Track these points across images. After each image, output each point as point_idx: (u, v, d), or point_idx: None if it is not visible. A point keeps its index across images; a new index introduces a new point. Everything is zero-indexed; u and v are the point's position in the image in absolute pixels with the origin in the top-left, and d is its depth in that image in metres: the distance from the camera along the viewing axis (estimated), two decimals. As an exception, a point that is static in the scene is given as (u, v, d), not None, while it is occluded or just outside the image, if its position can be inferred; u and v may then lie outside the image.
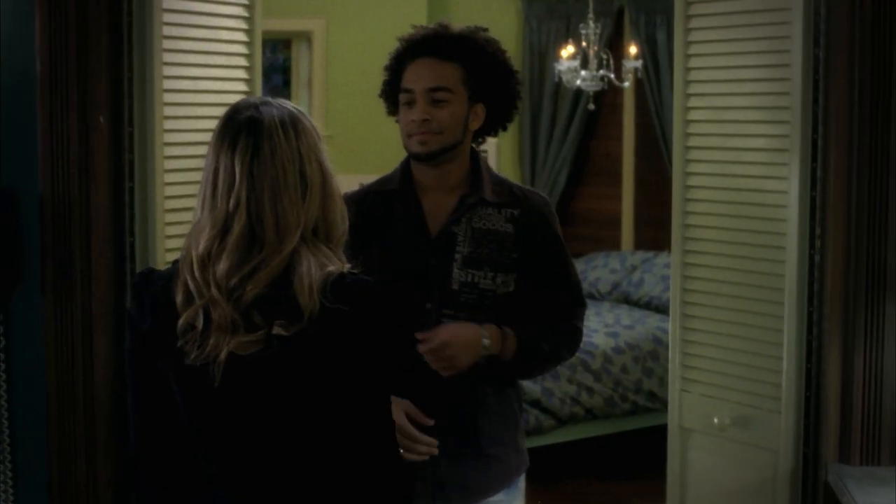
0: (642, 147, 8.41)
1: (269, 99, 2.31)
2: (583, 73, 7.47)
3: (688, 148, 4.21)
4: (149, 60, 4.07)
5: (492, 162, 8.49)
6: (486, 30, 3.14)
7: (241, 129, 2.20)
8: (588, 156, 8.63)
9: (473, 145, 3.17)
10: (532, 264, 3.04)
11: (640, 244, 8.44)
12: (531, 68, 8.75)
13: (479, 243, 2.96)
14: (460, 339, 2.87)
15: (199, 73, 4.30)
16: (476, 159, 3.12)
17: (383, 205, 3.06)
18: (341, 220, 2.26)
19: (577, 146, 8.59)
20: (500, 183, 3.12)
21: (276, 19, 7.84)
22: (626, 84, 7.56)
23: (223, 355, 2.14)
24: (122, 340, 3.69)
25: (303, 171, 2.19)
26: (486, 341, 2.91)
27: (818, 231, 3.90)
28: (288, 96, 8.76)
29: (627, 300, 7.83)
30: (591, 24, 7.45)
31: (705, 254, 4.20)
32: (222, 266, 2.15)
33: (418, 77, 3.00)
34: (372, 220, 3.02)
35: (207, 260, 2.16)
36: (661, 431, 7.00)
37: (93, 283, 3.98)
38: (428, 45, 3.04)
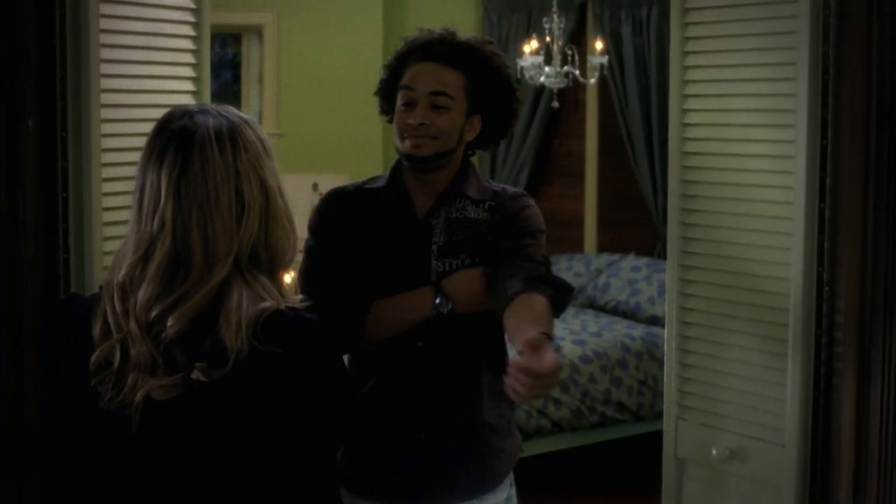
0: (606, 146, 7.98)
1: (209, 106, 2.06)
2: (546, 69, 7.01)
3: (685, 154, 3.74)
4: (84, 56, 3.55)
5: None
6: (491, 42, 3.05)
7: (170, 142, 1.97)
8: (550, 155, 8.20)
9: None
10: (505, 236, 2.93)
11: (603, 246, 8.01)
12: (490, 64, 8.27)
13: (454, 232, 2.90)
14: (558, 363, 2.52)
15: (141, 70, 3.78)
16: (466, 167, 3.04)
17: (370, 202, 2.99)
18: (290, 244, 2.02)
19: (539, 145, 8.17)
20: (485, 187, 3.05)
21: (225, 12, 7.45)
22: (592, 81, 7.10)
23: (139, 397, 1.88)
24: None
25: (239, 191, 1.94)
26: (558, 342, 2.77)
27: (827, 246, 3.47)
28: (238, 93, 8.33)
29: (593, 305, 7.38)
30: (556, 17, 6.99)
31: (704, 269, 3.74)
32: (142, 296, 1.90)
33: (421, 78, 2.88)
34: (358, 215, 2.96)
35: (129, 288, 1.92)
36: (629, 443, 6.64)
37: (22, 307, 3.48)
38: (434, 48, 2.93)
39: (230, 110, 2.07)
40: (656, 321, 6.93)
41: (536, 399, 2.77)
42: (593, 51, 7.09)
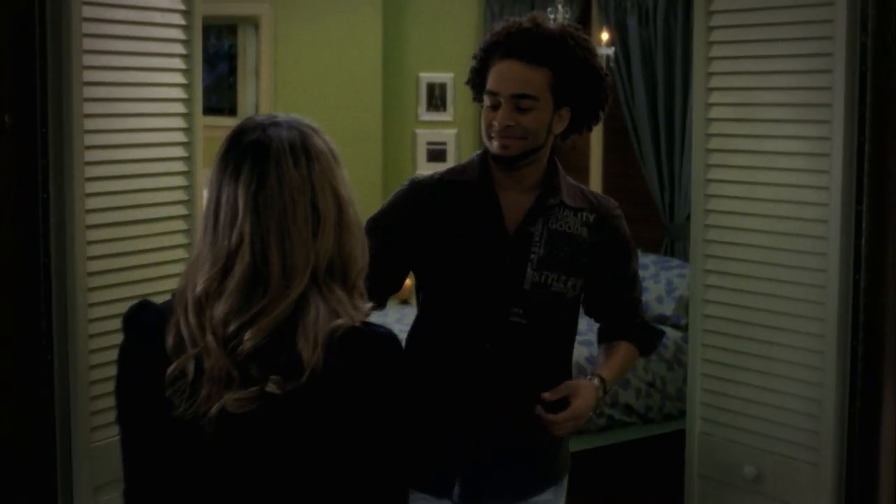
0: (611, 140, 7.64)
1: (280, 117, 1.98)
2: (551, 61, 6.67)
3: (709, 151, 3.45)
4: (65, 47, 3.27)
5: (451, 155, 7.76)
6: (578, 28, 2.93)
7: (245, 156, 1.90)
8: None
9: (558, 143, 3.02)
10: (602, 266, 2.94)
11: (608, 242, 7.67)
12: (492, 56, 7.96)
13: (555, 245, 2.84)
14: (587, 403, 2.80)
15: (128, 62, 3.49)
16: (553, 161, 2.96)
17: (458, 195, 2.89)
18: (361, 254, 1.97)
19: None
20: (574, 187, 2.99)
21: (221, 3, 7.23)
22: (599, 73, 6.77)
23: (214, 410, 1.85)
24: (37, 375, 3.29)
25: (315, 204, 1.90)
26: (600, 393, 2.87)
27: (865, 252, 3.18)
28: (234, 85, 8.04)
29: (599, 304, 7.06)
30: (560, 7, 6.67)
31: (730, 275, 3.45)
32: (220, 310, 1.86)
33: (505, 81, 2.79)
34: (443, 208, 2.88)
35: (205, 302, 1.88)
36: (636, 446, 6.34)
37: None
38: (516, 45, 2.81)
39: (299, 120, 2.00)
40: (664, 320, 6.61)
41: (565, 432, 2.81)
42: (599, 42, 6.76)
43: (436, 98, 7.75)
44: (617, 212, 3.03)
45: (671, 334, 6.57)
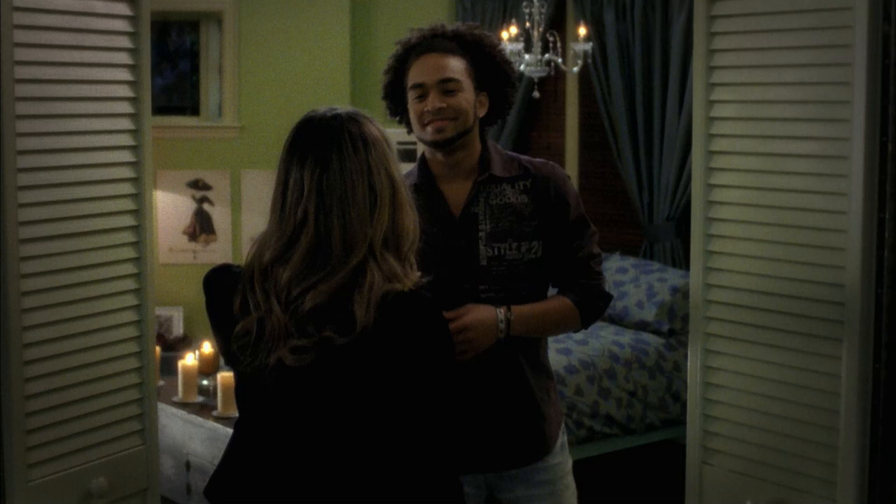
0: (587, 139, 7.28)
1: (339, 109, 2.25)
2: (527, 57, 6.31)
3: (711, 153, 3.05)
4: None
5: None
6: (478, 26, 3.14)
7: (311, 143, 2.16)
8: (528, 148, 7.50)
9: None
10: (548, 228, 3.03)
11: (585, 245, 7.32)
12: (463, 52, 7.59)
13: (499, 218, 2.99)
14: (481, 322, 2.88)
15: (66, 56, 3.06)
16: (485, 144, 3.09)
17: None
18: (412, 229, 2.20)
19: (516, 137, 7.48)
20: (510, 160, 3.11)
21: None
22: (575, 69, 6.40)
23: (272, 361, 2.11)
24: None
25: (372, 185, 2.14)
26: (501, 325, 2.90)
27: (887, 263, 2.80)
28: (196, 83, 7.64)
29: (577, 309, 6.69)
30: (535, 2, 6.29)
31: (735, 290, 3.06)
32: (285, 276, 2.11)
33: (428, 71, 2.96)
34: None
35: (270, 269, 2.12)
36: (617, 458, 5.99)
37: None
38: (430, 42, 3.02)
39: (356, 111, 2.24)
40: (645, 327, 6.25)
41: (463, 355, 2.81)
42: (576, 37, 6.40)
43: (406, 96, 7.38)
44: (556, 173, 3.10)
45: (652, 341, 6.23)
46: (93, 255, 3.14)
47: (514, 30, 6.32)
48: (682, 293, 6.26)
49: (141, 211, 3.24)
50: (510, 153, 3.12)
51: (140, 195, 3.24)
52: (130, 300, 3.26)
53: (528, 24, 6.36)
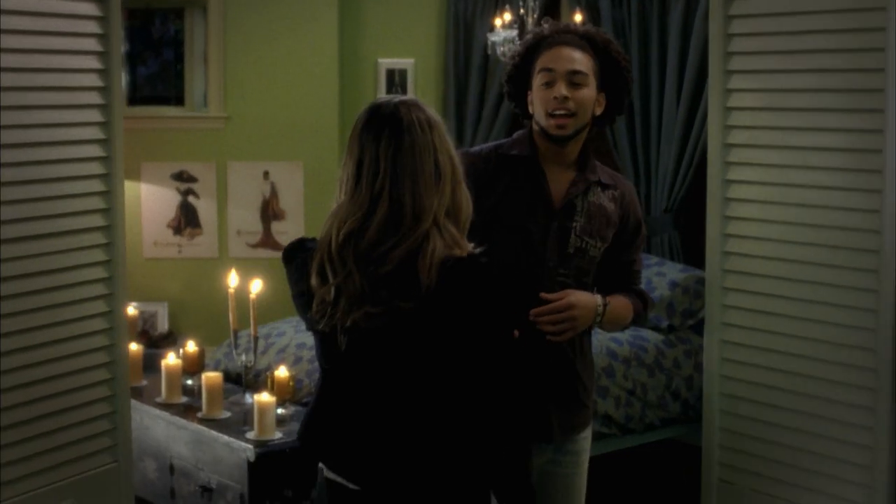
0: (583, 129, 7.01)
1: (402, 96, 2.44)
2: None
3: (728, 146, 2.78)
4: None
5: None
6: (605, 32, 3.23)
7: (383, 125, 2.35)
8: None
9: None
10: (619, 236, 3.21)
11: (580, 238, 7.04)
12: (456, 40, 7.27)
13: (592, 216, 3.16)
14: (583, 304, 3.03)
15: (28, 42, 2.77)
16: (586, 143, 3.22)
17: (510, 168, 3.14)
18: (467, 204, 2.39)
19: (510, 126, 7.18)
20: (601, 168, 3.26)
21: None
22: (572, 57, 6.12)
23: (348, 323, 2.31)
24: None
25: (437, 161, 2.34)
26: (600, 309, 3.06)
27: (923, 266, 2.54)
28: (181, 73, 7.37)
29: (573, 305, 6.42)
30: (530, -13, 6.01)
31: (755, 294, 2.79)
32: (365, 242, 2.31)
33: (560, 60, 3.06)
34: (491, 178, 3.13)
35: (349, 238, 2.32)
36: (614, 459, 5.73)
37: None
38: (563, 36, 3.11)
39: (414, 98, 2.41)
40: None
41: (562, 336, 3.00)
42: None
43: (396, 85, 7.17)
44: (631, 189, 3.28)
45: (651, 338, 5.95)
46: (54, 260, 2.85)
47: (507, 16, 6.02)
48: (681, 288, 5.99)
49: (112, 210, 2.95)
50: (597, 162, 3.25)
51: (111, 193, 2.94)
52: (100, 306, 2.97)
53: (522, 11, 6.06)
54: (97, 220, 2.95)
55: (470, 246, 2.36)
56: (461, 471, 2.38)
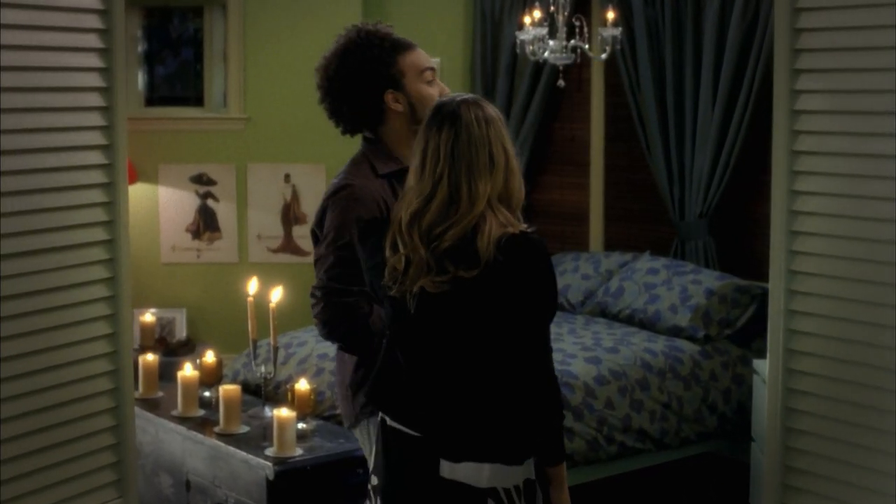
0: (614, 130, 6.69)
1: (464, 96, 2.72)
2: (551, 43, 5.71)
3: (796, 154, 2.47)
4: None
5: None
6: None
7: (445, 120, 2.67)
8: (550, 140, 6.92)
9: None
10: None
11: (611, 243, 6.71)
12: (483, 38, 6.99)
13: None
14: None
15: (22, 38, 2.49)
16: None
17: (393, 189, 3.10)
18: (519, 189, 2.69)
19: (538, 129, 6.89)
20: None
21: None
22: (604, 56, 5.82)
23: (416, 289, 2.62)
24: None
25: (491, 154, 2.65)
26: None
27: None
28: (200, 72, 7.17)
29: (605, 313, 6.08)
30: (560, -17, 5.71)
31: (824, 318, 2.48)
32: (426, 221, 2.63)
33: (428, 59, 3.15)
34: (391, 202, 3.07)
35: (415, 217, 2.64)
36: (649, 474, 5.44)
37: None
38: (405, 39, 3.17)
39: (476, 97, 2.72)
40: (679, 332, 5.66)
41: None
42: (602, 22, 5.81)
43: (421, 85, 6.86)
44: None
45: (687, 348, 5.66)
46: (61, 276, 2.56)
47: (537, 14, 5.73)
48: (717, 296, 5.70)
49: (115, 222, 2.65)
50: None
51: (115, 204, 2.64)
52: (103, 328, 2.69)
53: (552, 8, 5.77)
54: (98, 234, 2.65)
55: (522, 225, 2.66)
56: (509, 419, 2.66)
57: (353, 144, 7.89)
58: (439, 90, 3.12)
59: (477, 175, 2.64)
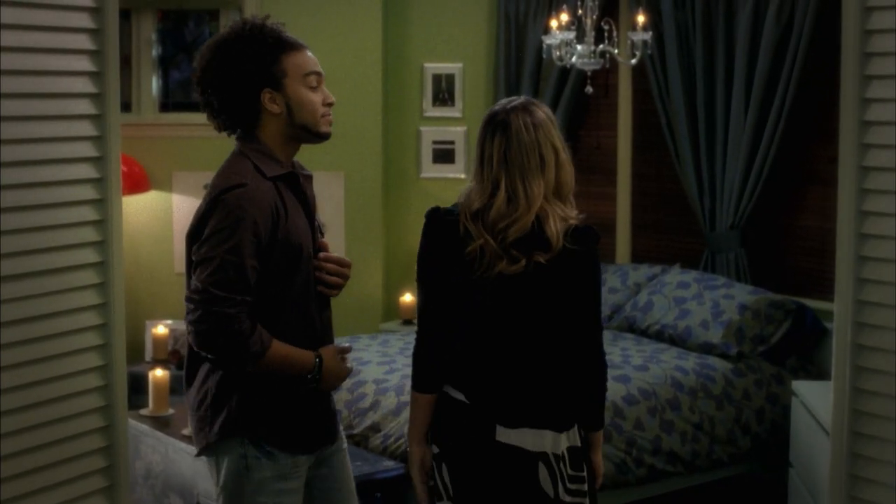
0: (642, 139, 6.38)
1: (516, 102, 2.91)
2: (579, 48, 5.41)
3: (865, 170, 2.18)
4: None
5: (460, 155, 6.73)
6: None
7: (497, 128, 2.87)
8: (576, 147, 6.64)
9: None
10: None
11: (638, 255, 6.41)
12: (507, 43, 6.69)
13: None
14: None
15: (8, 39, 2.21)
16: None
17: (277, 191, 2.88)
18: (569, 179, 2.89)
19: (564, 136, 6.59)
20: None
21: None
22: (634, 61, 5.51)
23: (494, 274, 2.84)
24: None
25: (541, 155, 2.84)
26: None
27: None
28: None
29: (633, 328, 5.77)
30: (588, -13, 5.41)
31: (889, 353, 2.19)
32: (490, 218, 2.86)
33: (315, 63, 2.99)
34: (277, 208, 2.84)
35: (478, 215, 2.87)
36: (678, 497, 5.15)
37: None
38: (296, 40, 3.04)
39: (527, 101, 2.91)
40: (711, 349, 5.36)
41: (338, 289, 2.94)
42: (631, 26, 5.51)
43: (442, 91, 6.65)
44: None
45: (719, 366, 5.35)
46: (51, 302, 2.28)
47: (564, 17, 5.43)
48: (751, 311, 5.39)
49: (106, 243, 2.36)
50: None
51: (106, 223, 2.35)
52: (94, 360, 2.40)
53: (579, 12, 5.47)
54: (88, 256, 2.37)
55: (576, 213, 2.89)
56: (564, 390, 2.89)
57: (374, 151, 7.46)
58: (323, 97, 2.96)
59: (530, 177, 2.85)
